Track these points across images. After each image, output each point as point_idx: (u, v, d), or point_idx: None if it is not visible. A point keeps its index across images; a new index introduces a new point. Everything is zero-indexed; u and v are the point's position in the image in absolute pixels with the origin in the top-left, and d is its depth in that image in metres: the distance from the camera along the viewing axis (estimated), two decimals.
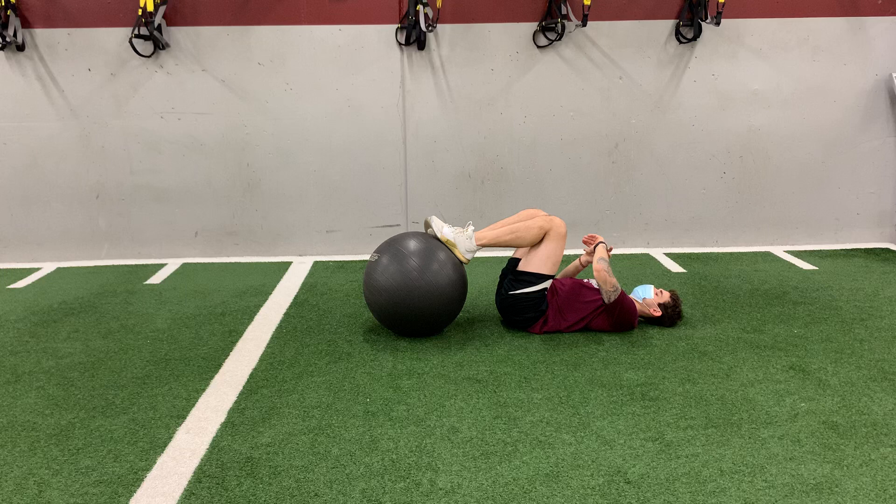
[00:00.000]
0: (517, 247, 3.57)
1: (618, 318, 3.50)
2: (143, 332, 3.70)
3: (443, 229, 3.48)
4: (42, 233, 5.31)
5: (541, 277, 3.47)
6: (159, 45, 4.98)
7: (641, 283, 4.35)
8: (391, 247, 3.44)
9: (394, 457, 2.39)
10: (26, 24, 4.99)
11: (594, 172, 5.40)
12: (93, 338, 3.63)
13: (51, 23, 5.00)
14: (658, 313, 3.63)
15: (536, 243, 3.51)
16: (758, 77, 5.30)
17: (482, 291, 4.37)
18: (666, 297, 3.65)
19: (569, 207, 5.40)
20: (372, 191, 5.35)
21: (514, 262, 3.62)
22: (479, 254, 5.35)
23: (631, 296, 3.69)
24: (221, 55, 5.11)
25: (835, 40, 5.27)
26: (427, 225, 3.57)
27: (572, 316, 3.53)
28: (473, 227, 3.48)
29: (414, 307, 3.34)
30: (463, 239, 3.46)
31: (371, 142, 5.28)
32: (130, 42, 4.88)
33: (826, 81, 5.33)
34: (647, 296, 3.65)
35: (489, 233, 3.51)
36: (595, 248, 3.65)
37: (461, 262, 3.49)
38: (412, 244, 3.42)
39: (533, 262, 3.49)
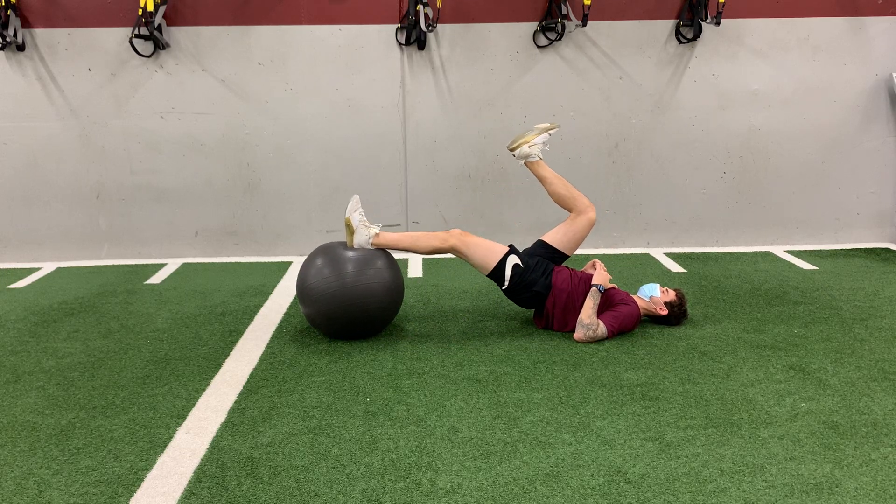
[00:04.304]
0: (416, 252, 3.56)
1: (621, 326, 3.50)
2: (143, 332, 3.70)
3: (353, 213, 3.44)
4: (42, 233, 5.31)
5: (500, 267, 3.49)
6: (159, 45, 4.98)
7: (642, 282, 4.35)
8: (320, 255, 3.44)
9: (394, 457, 2.39)
10: (26, 24, 4.99)
11: (594, 172, 5.40)
12: (93, 338, 3.63)
13: (51, 23, 5.00)
14: (664, 312, 3.62)
15: (469, 260, 3.52)
16: (758, 77, 5.30)
17: (482, 292, 4.37)
18: (672, 295, 3.65)
19: None
20: (372, 191, 5.34)
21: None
22: None
23: (637, 294, 3.69)
24: (221, 55, 5.11)
25: (835, 40, 5.27)
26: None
27: (573, 316, 3.53)
28: (379, 230, 3.46)
29: (345, 311, 3.35)
30: (363, 233, 3.43)
31: (371, 142, 5.28)
32: (130, 42, 4.88)
33: (826, 81, 5.33)
34: (653, 294, 3.65)
35: (392, 235, 3.50)
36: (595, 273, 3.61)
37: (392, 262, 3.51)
38: (345, 253, 3.42)
39: (484, 267, 3.52)
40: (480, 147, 5.33)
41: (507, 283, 3.50)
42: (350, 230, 3.44)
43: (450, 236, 3.50)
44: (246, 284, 4.63)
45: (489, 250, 3.51)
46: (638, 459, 2.35)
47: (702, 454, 2.39)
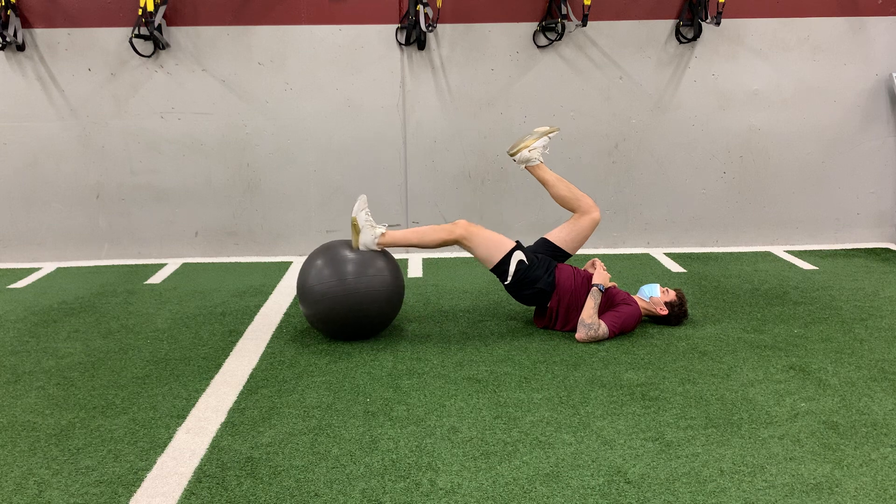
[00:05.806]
0: (423, 247, 3.53)
1: (622, 326, 3.50)
2: (143, 332, 3.70)
3: (359, 213, 3.41)
4: (42, 233, 5.31)
5: (504, 261, 3.47)
6: (159, 45, 4.98)
7: (642, 283, 4.35)
8: (321, 256, 3.43)
9: (394, 457, 2.39)
10: (26, 24, 4.99)
11: (594, 172, 5.40)
12: (93, 338, 3.63)
13: (51, 23, 5.00)
14: (665, 312, 3.62)
15: (474, 251, 3.50)
16: (758, 77, 5.30)
17: (482, 292, 4.37)
18: (672, 295, 3.65)
19: None
20: (372, 191, 5.34)
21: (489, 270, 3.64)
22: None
23: (637, 295, 3.69)
24: (221, 55, 5.11)
25: (835, 40, 5.27)
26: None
27: (576, 314, 3.53)
28: (385, 229, 3.43)
29: (347, 312, 3.34)
30: (369, 233, 3.39)
31: (371, 142, 5.28)
32: (130, 42, 4.88)
33: (826, 81, 5.33)
34: (653, 294, 3.65)
35: (397, 233, 3.48)
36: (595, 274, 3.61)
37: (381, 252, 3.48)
38: (346, 253, 3.41)
39: (489, 260, 3.50)
40: (480, 147, 5.33)
41: (510, 279, 3.49)
42: (356, 230, 3.41)
43: (456, 227, 3.48)
44: (246, 284, 4.63)
45: (495, 245, 3.49)
46: (638, 459, 2.35)
47: (702, 454, 2.39)
